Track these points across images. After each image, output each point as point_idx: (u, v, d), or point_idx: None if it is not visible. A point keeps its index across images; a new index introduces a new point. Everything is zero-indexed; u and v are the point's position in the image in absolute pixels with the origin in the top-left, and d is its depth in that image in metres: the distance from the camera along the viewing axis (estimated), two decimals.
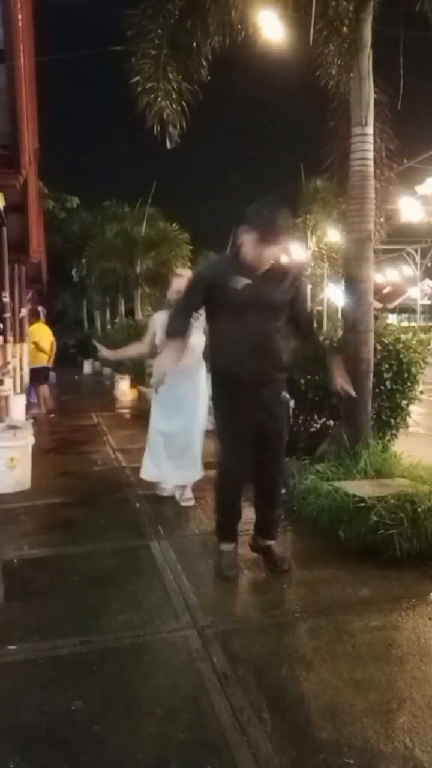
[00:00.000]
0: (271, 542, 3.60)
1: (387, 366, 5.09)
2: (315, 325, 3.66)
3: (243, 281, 3.20)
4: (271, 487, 3.55)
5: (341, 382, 3.53)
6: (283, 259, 3.62)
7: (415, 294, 35.58)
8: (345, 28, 5.11)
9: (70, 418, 10.44)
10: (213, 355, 3.56)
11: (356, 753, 2.02)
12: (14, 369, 8.48)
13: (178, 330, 3.41)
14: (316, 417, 5.42)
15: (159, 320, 4.75)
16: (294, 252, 23.78)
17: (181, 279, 4.58)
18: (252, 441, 3.42)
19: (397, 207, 14.13)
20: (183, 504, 4.79)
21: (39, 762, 2.03)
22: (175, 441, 4.79)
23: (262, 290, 3.25)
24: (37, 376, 10.74)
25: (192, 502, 4.78)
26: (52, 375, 11.99)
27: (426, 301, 38.22)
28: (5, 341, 7.49)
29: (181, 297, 3.50)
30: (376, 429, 5.03)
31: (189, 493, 4.85)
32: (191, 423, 4.76)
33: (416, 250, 32.50)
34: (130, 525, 4.43)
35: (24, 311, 11.67)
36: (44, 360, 10.86)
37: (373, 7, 4.98)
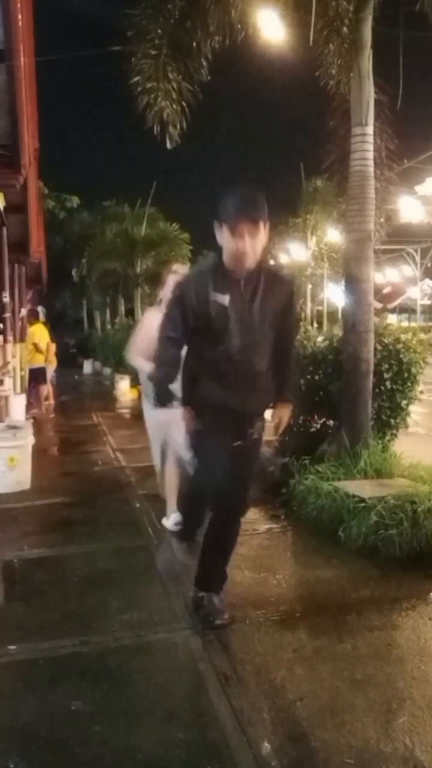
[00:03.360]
0: (211, 594, 2.94)
1: (387, 366, 5.09)
2: (291, 353, 3.03)
3: (226, 294, 2.64)
4: (226, 528, 2.96)
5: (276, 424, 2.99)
6: (275, 261, 2.90)
7: (415, 294, 35.63)
8: (345, 28, 5.11)
9: (70, 418, 10.44)
10: (192, 383, 2.84)
11: (356, 753, 2.02)
12: (14, 369, 8.48)
13: (167, 362, 2.79)
14: (316, 417, 5.41)
15: (152, 322, 4.01)
16: (293, 252, 23.83)
17: (178, 277, 3.93)
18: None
19: (397, 207, 14.14)
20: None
21: (39, 762, 2.02)
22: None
23: (250, 303, 2.68)
24: (35, 376, 10.80)
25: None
26: (53, 375, 12.00)
27: (426, 301, 38.26)
28: (5, 341, 7.49)
29: (161, 324, 2.83)
30: (376, 429, 5.02)
31: (177, 517, 3.95)
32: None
33: (416, 250, 32.57)
34: (130, 525, 4.43)
35: (24, 311, 11.69)
36: (42, 360, 10.94)
37: (373, 7, 4.98)
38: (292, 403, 3.05)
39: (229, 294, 2.64)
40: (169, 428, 3.94)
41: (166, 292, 4.05)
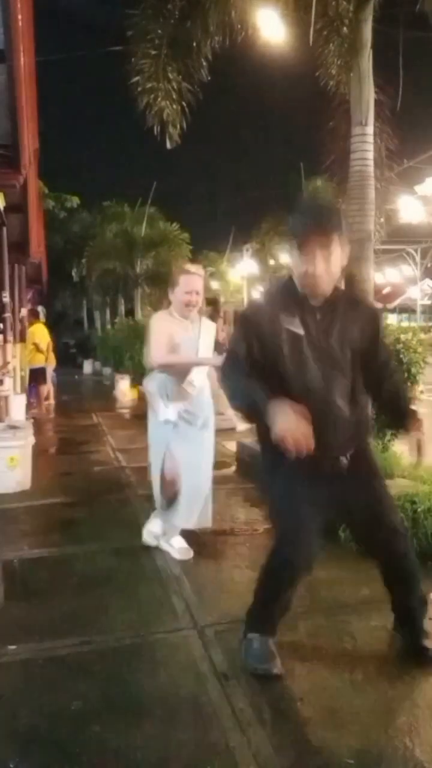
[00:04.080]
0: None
1: None
2: (390, 368, 2.69)
3: (300, 322, 2.33)
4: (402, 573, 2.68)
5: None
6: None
7: (415, 294, 35.62)
8: (345, 28, 5.13)
9: (70, 418, 10.44)
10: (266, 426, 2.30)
11: (356, 753, 2.01)
12: (14, 369, 8.48)
13: (248, 397, 2.31)
14: None
15: (164, 326, 3.79)
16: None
17: (192, 277, 3.75)
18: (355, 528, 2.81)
19: (397, 207, 14.15)
20: (181, 557, 3.72)
21: (39, 762, 2.02)
22: (198, 477, 3.82)
23: (327, 333, 2.35)
24: (35, 376, 10.82)
25: (191, 555, 3.76)
26: (53, 375, 12.02)
27: (426, 301, 38.24)
28: (5, 341, 7.49)
29: (227, 355, 2.49)
30: (376, 429, 5.02)
31: (182, 542, 3.82)
32: (209, 457, 3.91)
33: (416, 250, 32.56)
34: (131, 525, 4.43)
35: (24, 311, 11.71)
36: (42, 360, 10.96)
37: (373, 7, 4.99)
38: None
39: (304, 323, 2.33)
40: (170, 444, 3.76)
41: (178, 294, 3.74)
